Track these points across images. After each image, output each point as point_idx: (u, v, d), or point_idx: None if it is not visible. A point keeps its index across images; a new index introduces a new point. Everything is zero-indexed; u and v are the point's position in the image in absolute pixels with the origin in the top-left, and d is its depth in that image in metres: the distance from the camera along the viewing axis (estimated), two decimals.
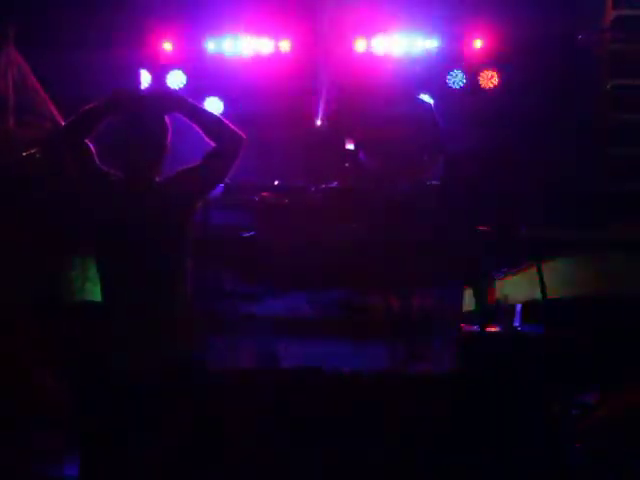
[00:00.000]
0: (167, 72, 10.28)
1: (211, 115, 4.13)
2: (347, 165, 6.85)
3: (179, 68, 10.29)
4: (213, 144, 4.06)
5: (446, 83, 10.09)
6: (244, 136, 4.12)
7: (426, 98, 8.30)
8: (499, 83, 10.04)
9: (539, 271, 5.76)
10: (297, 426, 5.26)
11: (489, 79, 10.06)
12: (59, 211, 5.75)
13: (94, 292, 4.17)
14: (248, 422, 5.23)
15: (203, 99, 10.21)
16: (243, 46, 10.22)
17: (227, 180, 6.21)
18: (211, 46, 10.26)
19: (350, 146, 6.87)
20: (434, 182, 6.15)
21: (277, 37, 10.16)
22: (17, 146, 6.48)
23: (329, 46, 9.82)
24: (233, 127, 4.09)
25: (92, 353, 4.00)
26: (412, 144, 6.56)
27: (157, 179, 4.07)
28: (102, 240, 4.03)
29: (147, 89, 4.23)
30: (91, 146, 4.00)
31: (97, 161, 4.01)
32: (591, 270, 6.52)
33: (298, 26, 10.07)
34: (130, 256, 3.96)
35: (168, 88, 4.21)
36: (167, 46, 10.23)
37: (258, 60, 10.21)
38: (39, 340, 5.73)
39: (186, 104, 4.09)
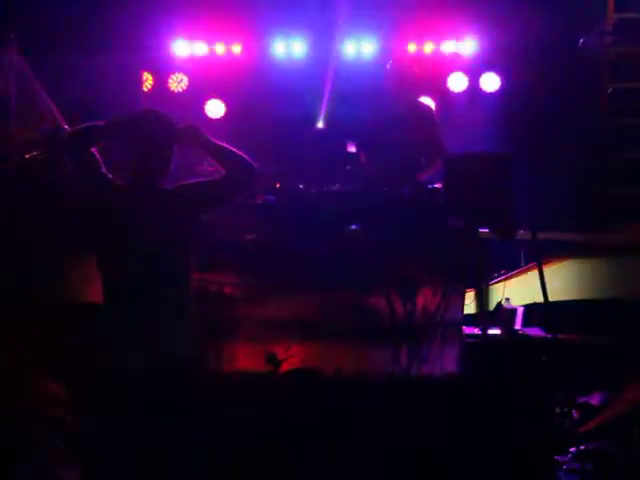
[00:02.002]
0: (169, 75, 10.30)
1: (224, 149, 4.15)
2: (348, 168, 6.86)
3: (181, 71, 10.31)
4: (224, 172, 4.12)
5: (447, 86, 10.10)
6: (257, 170, 4.17)
7: (427, 101, 8.31)
8: (500, 86, 10.05)
9: (540, 274, 5.76)
10: (297, 427, 5.26)
11: (490, 82, 10.07)
12: (61, 212, 5.75)
13: (95, 293, 4.17)
14: (248, 423, 5.23)
15: (205, 102, 10.24)
16: (243, 49, 10.24)
17: None
18: (213, 49, 10.28)
19: (352, 149, 6.88)
20: (435, 185, 6.15)
21: (282, 40, 10.18)
22: (19, 148, 6.49)
23: (332, 49, 9.84)
24: (247, 159, 4.15)
25: (92, 353, 4.01)
26: (412, 147, 6.57)
27: (164, 185, 4.10)
28: (104, 241, 4.04)
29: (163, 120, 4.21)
30: (96, 154, 4.05)
31: (103, 168, 4.05)
32: (592, 273, 6.52)
33: (303, 30, 10.08)
34: (131, 258, 3.97)
35: (185, 123, 4.20)
36: (169, 49, 10.25)
37: (260, 63, 10.23)
38: (39, 340, 5.73)
39: (200, 137, 4.14)
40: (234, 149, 4.14)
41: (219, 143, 4.16)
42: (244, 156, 4.14)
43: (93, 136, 4.08)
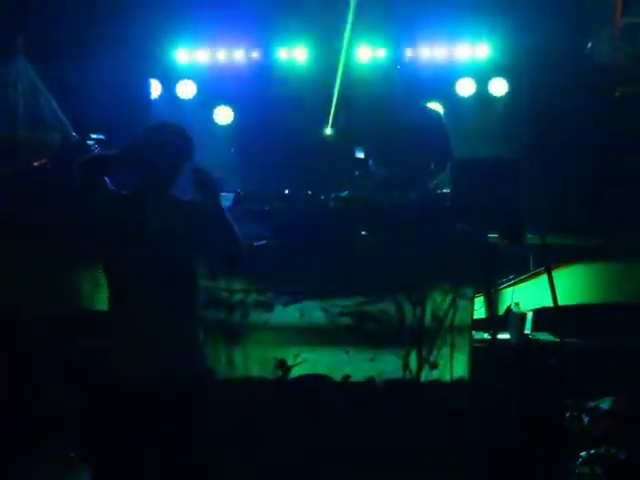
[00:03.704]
0: (177, 81, 10.34)
1: (226, 226, 4.13)
2: (357, 174, 6.87)
3: (189, 77, 10.34)
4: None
5: (456, 91, 10.12)
6: (242, 256, 4.19)
7: (436, 106, 8.32)
8: (508, 91, 10.07)
9: (549, 278, 5.75)
10: (307, 433, 5.26)
11: (499, 87, 10.09)
12: (68, 220, 5.77)
13: (103, 300, 4.17)
14: (256, 429, 5.24)
15: (214, 108, 10.26)
16: (253, 55, 10.27)
17: (238, 190, 6.25)
18: (221, 55, 10.30)
19: (360, 155, 6.89)
20: (443, 190, 6.15)
21: (290, 46, 10.21)
22: (27, 156, 6.51)
23: (340, 55, 9.85)
24: (240, 245, 4.15)
25: (100, 361, 4.01)
26: (421, 152, 6.57)
27: (173, 194, 4.11)
28: (111, 248, 4.04)
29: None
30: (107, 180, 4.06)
31: (109, 186, 4.05)
32: (601, 277, 6.51)
33: (311, 36, 10.11)
34: (139, 265, 3.97)
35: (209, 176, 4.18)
36: (177, 56, 10.28)
37: (268, 69, 10.26)
38: (48, 348, 5.75)
39: (211, 194, 4.13)
40: (235, 231, 4.13)
41: (227, 217, 4.16)
42: (239, 242, 4.14)
43: (106, 167, 4.07)
